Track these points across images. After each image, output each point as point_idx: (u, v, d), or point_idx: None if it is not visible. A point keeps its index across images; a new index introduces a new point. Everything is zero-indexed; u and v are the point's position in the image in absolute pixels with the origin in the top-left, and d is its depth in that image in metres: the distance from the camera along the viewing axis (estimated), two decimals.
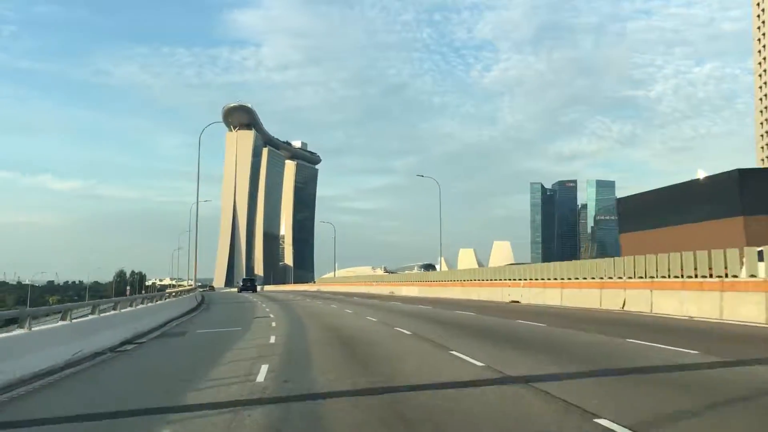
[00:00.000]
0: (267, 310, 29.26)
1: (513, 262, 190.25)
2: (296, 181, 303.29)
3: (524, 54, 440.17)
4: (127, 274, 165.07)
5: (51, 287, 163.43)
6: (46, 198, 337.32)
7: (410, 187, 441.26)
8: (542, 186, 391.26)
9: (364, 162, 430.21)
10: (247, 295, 50.05)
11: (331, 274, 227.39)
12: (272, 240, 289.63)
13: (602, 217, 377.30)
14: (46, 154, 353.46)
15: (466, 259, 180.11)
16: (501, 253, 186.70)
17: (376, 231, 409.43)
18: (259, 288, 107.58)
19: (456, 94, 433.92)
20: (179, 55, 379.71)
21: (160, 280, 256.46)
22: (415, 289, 48.38)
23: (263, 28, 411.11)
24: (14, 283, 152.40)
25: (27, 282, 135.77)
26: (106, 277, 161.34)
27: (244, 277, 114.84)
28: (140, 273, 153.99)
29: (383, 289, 55.73)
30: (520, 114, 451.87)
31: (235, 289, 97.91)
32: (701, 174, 50.96)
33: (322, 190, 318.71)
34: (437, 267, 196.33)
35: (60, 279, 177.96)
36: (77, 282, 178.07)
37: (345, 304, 33.53)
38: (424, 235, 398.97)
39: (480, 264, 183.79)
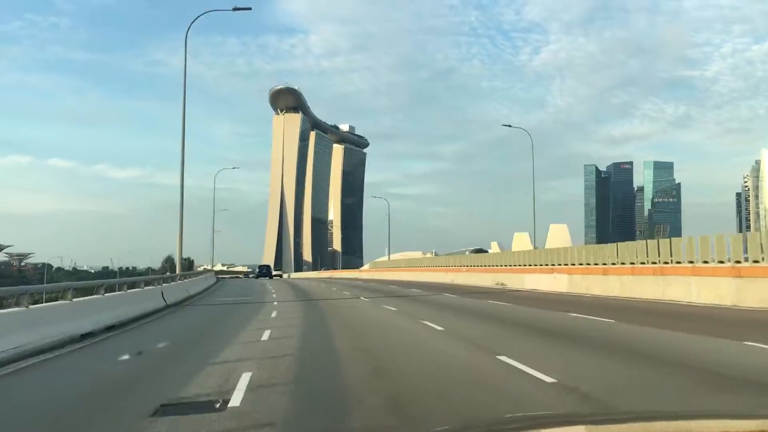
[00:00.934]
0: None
1: (571, 245, 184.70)
2: (344, 165, 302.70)
3: (574, 35, 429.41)
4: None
5: (105, 272, 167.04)
6: (105, 186, 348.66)
7: (458, 173, 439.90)
8: (596, 168, 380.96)
9: (412, 147, 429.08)
10: (267, 284, 48.05)
11: (381, 259, 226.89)
12: (320, 225, 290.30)
13: (660, 200, 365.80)
14: (104, 144, 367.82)
15: (521, 244, 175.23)
16: (558, 237, 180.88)
17: (424, 216, 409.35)
18: (285, 275, 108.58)
19: (504, 78, 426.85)
20: (230, 44, 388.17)
21: (212, 266, 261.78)
22: (474, 277, 41.95)
23: (311, 16, 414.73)
24: (70, 269, 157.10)
25: (85, 268, 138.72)
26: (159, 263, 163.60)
27: (261, 264, 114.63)
28: (188, 258, 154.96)
29: (442, 276, 47.48)
30: (570, 97, 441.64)
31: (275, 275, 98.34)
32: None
33: (369, 176, 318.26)
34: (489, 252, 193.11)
35: (115, 265, 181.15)
36: (131, 268, 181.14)
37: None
38: (473, 220, 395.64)
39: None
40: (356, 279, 64.00)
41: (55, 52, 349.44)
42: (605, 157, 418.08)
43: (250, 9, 28.80)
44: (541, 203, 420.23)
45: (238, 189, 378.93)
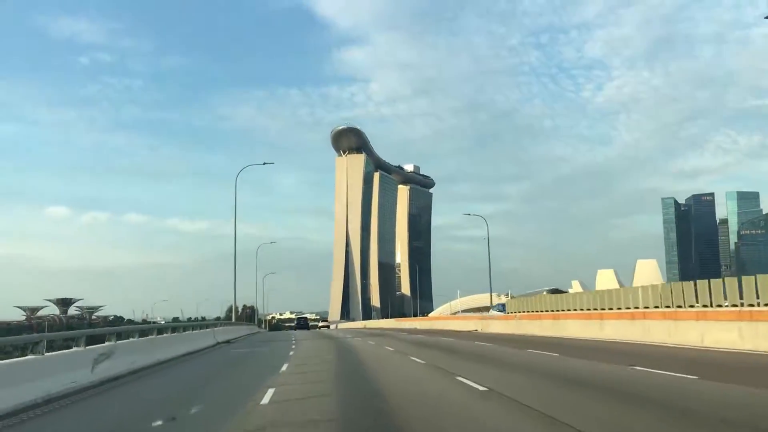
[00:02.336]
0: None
1: (662, 283, 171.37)
2: (410, 206, 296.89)
3: (638, 70, 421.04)
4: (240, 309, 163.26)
5: (173, 324, 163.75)
6: (177, 239, 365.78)
7: (524, 213, 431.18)
8: (675, 201, 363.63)
9: (476, 189, 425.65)
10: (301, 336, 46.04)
11: (448, 305, 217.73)
12: (388, 269, 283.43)
13: (747, 232, 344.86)
14: (176, 198, 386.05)
15: (606, 282, 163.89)
16: (646, 274, 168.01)
17: (493, 259, 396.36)
18: (332, 326, 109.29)
19: (567, 116, 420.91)
20: (292, 95, 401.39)
21: (280, 314, 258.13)
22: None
23: (371, 64, 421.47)
24: (139, 321, 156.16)
25: (158, 319, 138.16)
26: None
27: (297, 318, 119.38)
28: (252, 306, 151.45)
29: (550, 327, 32.63)
30: (637, 132, 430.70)
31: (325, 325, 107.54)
32: None
33: (434, 218, 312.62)
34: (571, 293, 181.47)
35: (185, 315, 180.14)
36: (200, 318, 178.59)
37: None
38: (542, 260, 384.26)
39: (622, 287, 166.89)
40: (418, 330, 54.71)
41: (130, 112, 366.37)
42: (677, 192, 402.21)
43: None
44: (612, 241, 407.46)
45: (306, 237, 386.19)
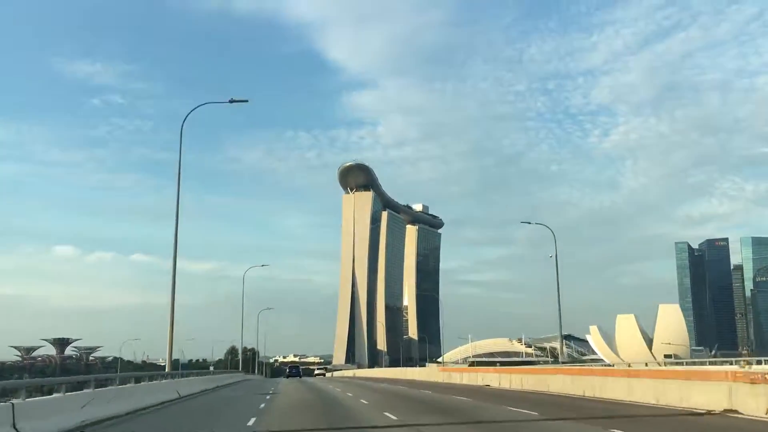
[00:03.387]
0: None
1: (685, 330, 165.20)
2: (418, 247, 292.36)
3: (645, 116, 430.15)
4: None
5: (176, 366, 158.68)
6: (181, 280, 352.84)
7: (531, 258, 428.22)
8: (689, 246, 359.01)
9: (483, 232, 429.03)
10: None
11: (459, 350, 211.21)
12: (395, 311, 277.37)
13: (763, 278, 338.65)
14: (182, 239, 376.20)
15: (627, 329, 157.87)
16: (669, 320, 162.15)
17: (500, 303, 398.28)
18: (328, 374, 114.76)
19: (574, 161, 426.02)
20: (301, 138, 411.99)
21: (284, 357, 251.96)
22: None
23: (379, 108, 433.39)
24: (138, 362, 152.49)
25: (160, 361, 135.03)
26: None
27: (290, 365, 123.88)
28: (252, 349, 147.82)
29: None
30: (644, 177, 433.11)
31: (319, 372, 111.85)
32: None
33: (442, 261, 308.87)
34: (589, 340, 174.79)
35: (185, 357, 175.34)
36: (201, 360, 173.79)
37: None
38: (550, 305, 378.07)
39: (644, 334, 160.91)
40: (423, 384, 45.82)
41: (139, 153, 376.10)
42: (685, 238, 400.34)
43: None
44: (621, 287, 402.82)
45: (311, 279, 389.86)
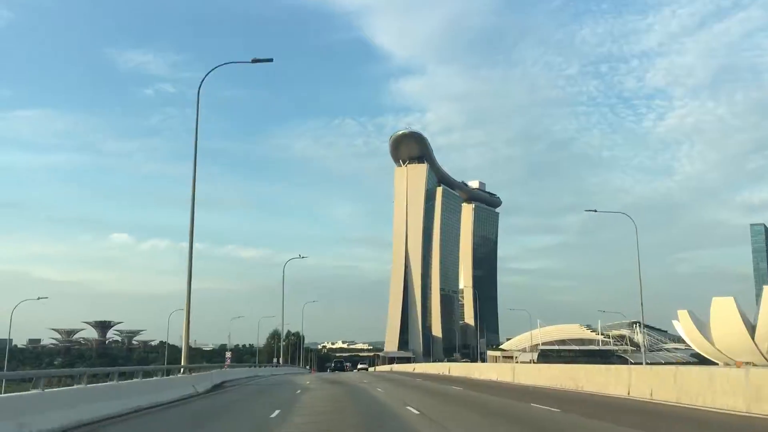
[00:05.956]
0: None
1: None
2: (475, 227, 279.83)
3: (702, 99, 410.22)
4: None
5: (221, 350, 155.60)
6: (233, 266, 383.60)
7: (581, 245, 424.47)
8: (766, 228, 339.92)
9: (531, 220, 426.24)
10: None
11: (525, 336, 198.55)
12: (450, 296, 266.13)
13: None
14: (233, 226, 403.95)
15: (724, 314, 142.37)
16: (723, 314, 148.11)
17: (551, 291, 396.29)
18: (371, 368, 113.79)
19: (627, 147, 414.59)
20: (348, 126, 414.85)
21: (332, 344, 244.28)
22: None
23: (426, 94, 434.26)
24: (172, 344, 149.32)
25: (210, 346, 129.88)
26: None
27: (334, 360, 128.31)
28: (296, 333, 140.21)
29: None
30: (700, 163, 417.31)
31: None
32: None
33: (500, 242, 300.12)
34: (677, 326, 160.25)
35: (232, 342, 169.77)
36: (247, 345, 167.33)
37: None
38: (605, 292, 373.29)
39: (745, 320, 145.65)
40: None
41: (190, 141, 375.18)
42: (742, 225, 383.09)
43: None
44: (677, 276, 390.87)
45: (361, 267, 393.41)
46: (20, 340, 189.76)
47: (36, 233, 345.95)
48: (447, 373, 55.42)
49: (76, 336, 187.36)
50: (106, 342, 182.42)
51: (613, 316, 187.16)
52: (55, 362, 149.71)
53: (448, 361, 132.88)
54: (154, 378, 24.68)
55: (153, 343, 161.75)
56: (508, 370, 40.40)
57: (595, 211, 57.38)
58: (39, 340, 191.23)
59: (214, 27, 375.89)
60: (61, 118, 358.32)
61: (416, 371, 69.14)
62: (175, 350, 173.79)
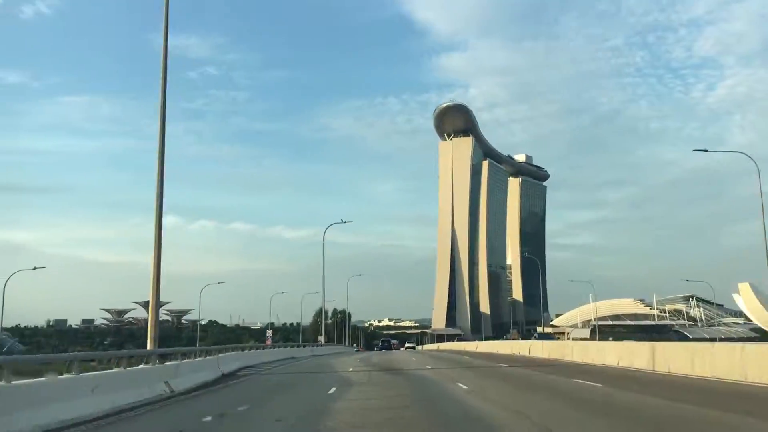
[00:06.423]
0: None
1: None
2: (522, 201, 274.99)
3: (754, 68, 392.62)
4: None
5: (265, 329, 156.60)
6: (279, 247, 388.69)
7: (628, 220, 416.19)
8: None
9: (574, 195, 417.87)
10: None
11: (577, 311, 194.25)
12: (497, 272, 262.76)
13: None
14: (278, 207, 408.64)
15: None
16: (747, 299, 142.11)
17: (596, 267, 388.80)
18: (418, 347, 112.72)
19: (675, 118, 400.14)
20: (390, 103, 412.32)
21: (378, 321, 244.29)
22: None
23: (469, 70, 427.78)
24: (233, 326, 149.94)
25: (258, 325, 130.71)
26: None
27: (381, 339, 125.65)
28: (343, 311, 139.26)
29: None
30: (752, 133, 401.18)
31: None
32: None
33: (548, 216, 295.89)
34: (737, 300, 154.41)
35: (280, 321, 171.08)
36: (294, 324, 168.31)
37: None
38: (654, 268, 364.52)
39: None
40: None
41: (235, 123, 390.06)
42: None
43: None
44: (726, 248, 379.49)
45: (405, 245, 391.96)
46: (75, 321, 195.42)
47: (89, 217, 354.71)
48: (527, 354, 44.41)
49: (127, 316, 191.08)
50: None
51: (666, 290, 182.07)
52: (105, 341, 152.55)
53: (504, 339, 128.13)
54: (90, 374, 15.52)
55: (202, 322, 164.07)
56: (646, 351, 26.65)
57: (706, 150, 53.00)
58: (92, 321, 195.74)
59: (255, 9, 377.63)
60: (111, 104, 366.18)
61: (479, 350, 61.76)
62: (224, 330, 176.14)
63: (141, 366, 18.44)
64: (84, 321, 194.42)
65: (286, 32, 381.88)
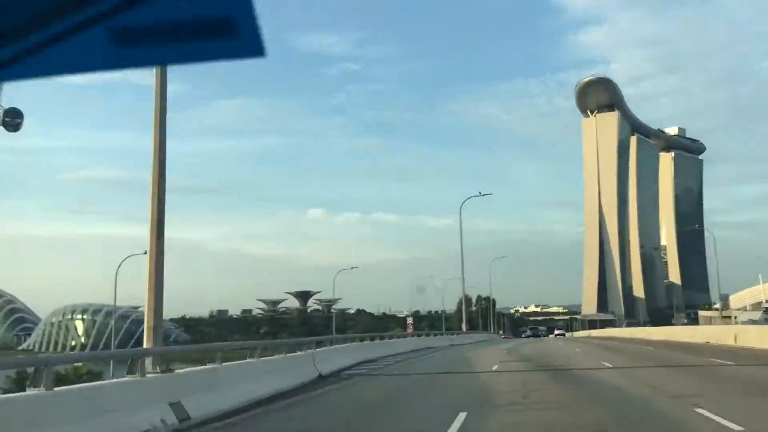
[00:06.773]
0: None
1: None
2: (675, 177, 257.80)
3: None
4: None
5: (413, 316, 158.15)
6: (424, 235, 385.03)
7: None
8: None
9: (738, 169, 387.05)
10: None
11: (747, 292, 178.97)
12: (650, 253, 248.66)
13: None
14: (422, 197, 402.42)
15: None
16: None
17: (765, 245, 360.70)
18: (567, 334, 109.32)
19: None
20: (529, 85, 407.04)
21: (525, 308, 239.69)
22: None
23: (610, 44, 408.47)
24: (379, 315, 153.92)
25: (405, 312, 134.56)
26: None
27: (530, 327, 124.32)
28: (488, 297, 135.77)
29: None
30: None
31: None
32: None
33: (706, 192, 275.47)
34: None
35: (425, 309, 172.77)
36: (439, 312, 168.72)
37: None
38: None
39: None
40: None
41: (375, 116, 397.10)
42: None
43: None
44: None
45: (551, 230, 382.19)
46: (235, 311, 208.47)
47: (248, 213, 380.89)
48: (733, 343, 34.05)
49: (280, 306, 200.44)
50: (308, 311, 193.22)
51: None
52: (261, 330, 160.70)
53: (671, 324, 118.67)
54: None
55: (350, 311, 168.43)
56: None
57: None
58: (250, 311, 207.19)
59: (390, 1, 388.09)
60: (260, 104, 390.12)
61: (653, 338, 49.88)
62: (373, 318, 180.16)
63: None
64: (243, 311, 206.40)
65: (421, 20, 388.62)
